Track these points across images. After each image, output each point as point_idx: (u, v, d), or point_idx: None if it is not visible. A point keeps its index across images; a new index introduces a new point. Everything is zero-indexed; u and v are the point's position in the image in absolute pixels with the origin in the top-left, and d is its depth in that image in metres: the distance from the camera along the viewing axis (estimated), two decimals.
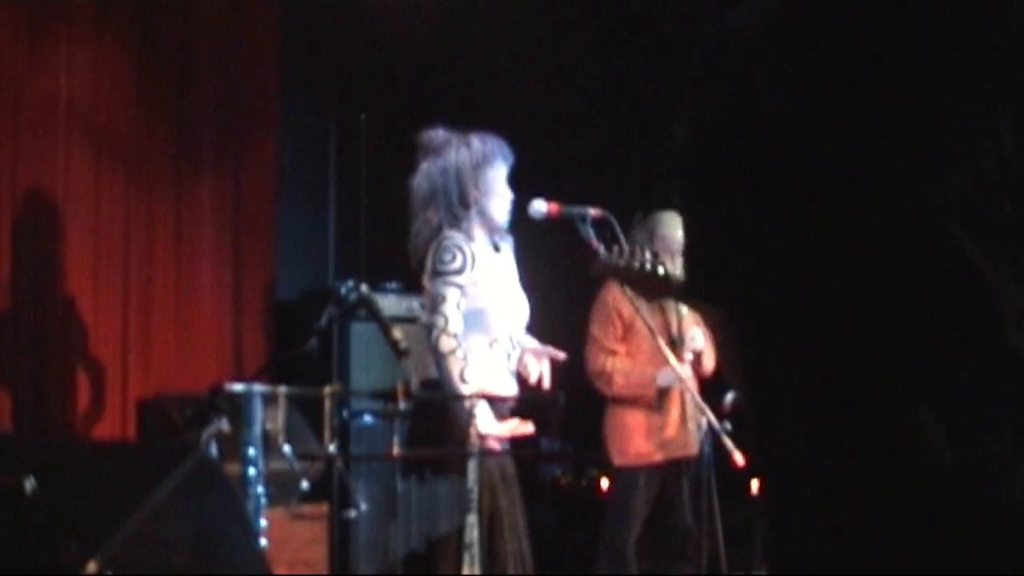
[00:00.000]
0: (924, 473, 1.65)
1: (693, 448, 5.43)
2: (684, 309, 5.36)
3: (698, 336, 5.38)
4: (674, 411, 5.45)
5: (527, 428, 4.51)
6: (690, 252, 1.91)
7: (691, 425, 5.45)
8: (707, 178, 1.84)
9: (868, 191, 1.69)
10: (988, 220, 1.67)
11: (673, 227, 5.40)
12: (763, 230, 1.77)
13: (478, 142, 4.66)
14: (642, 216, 5.44)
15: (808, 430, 1.74)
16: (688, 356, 5.38)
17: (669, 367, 5.33)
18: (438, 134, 4.70)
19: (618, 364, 5.46)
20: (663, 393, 5.43)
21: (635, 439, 5.45)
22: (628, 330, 5.50)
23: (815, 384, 1.73)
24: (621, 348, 5.51)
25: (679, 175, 1.87)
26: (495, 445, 4.38)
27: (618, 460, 5.49)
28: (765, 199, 1.76)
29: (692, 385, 5.17)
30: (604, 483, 6.37)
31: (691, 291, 1.90)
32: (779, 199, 1.75)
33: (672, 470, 5.45)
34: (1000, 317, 1.66)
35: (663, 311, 5.47)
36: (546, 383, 4.74)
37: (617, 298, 5.46)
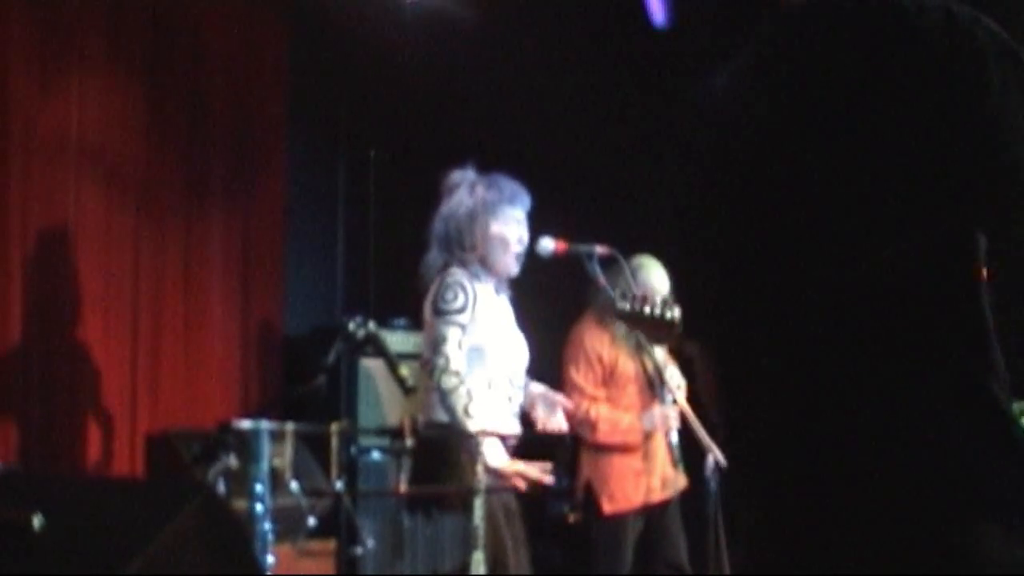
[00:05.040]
0: (900, 517, 1.67)
1: (678, 485, 5.40)
2: (658, 351, 5.26)
3: (675, 374, 5.28)
4: (660, 454, 5.39)
5: (538, 473, 4.51)
6: (680, 291, 2.03)
7: (677, 465, 5.40)
8: (696, 226, 1.93)
9: (853, 235, 1.75)
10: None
11: (652, 274, 5.29)
12: (748, 274, 1.84)
13: (483, 189, 4.65)
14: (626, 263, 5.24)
15: (785, 479, 1.78)
16: (669, 397, 5.26)
17: (653, 410, 5.32)
18: (454, 175, 4.70)
19: (603, 411, 5.31)
20: (648, 437, 5.34)
21: (624, 485, 5.33)
22: (609, 374, 5.38)
23: (792, 431, 1.77)
24: (601, 393, 5.38)
25: (670, 224, 1.97)
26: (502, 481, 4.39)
27: (608, 507, 5.33)
28: (752, 244, 1.83)
29: (675, 423, 5.20)
30: None
31: (683, 329, 2.01)
32: (766, 244, 1.82)
33: (657, 507, 5.40)
34: (987, 366, 1.70)
35: (639, 353, 5.40)
36: (564, 427, 4.73)
37: (596, 342, 5.39)
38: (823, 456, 1.72)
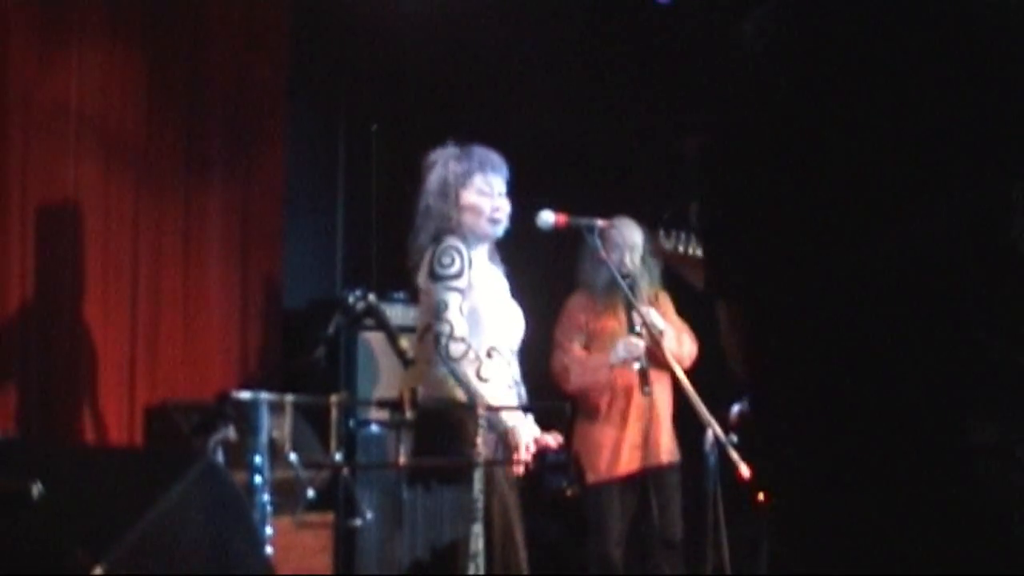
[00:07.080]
0: (931, 474, 1.65)
1: (663, 458, 5.45)
2: (638, 314, 5.32)
3: (656, 319, 5.42)
4: (635, 423, 5.46)
5: (552, 440, 4.55)
6: (708, 250, 1.94)
7: (663, 435, 5.45)
8: (724, 181, 1.87)
9: (881, 199, 1.69)
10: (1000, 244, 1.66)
11: (635, 233, 5.51)
12: (778, 232, 1.79)
13: (455, 161, 4.67)
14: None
15: (810, 430, 1.75)
16: (638, 331, 5.43)
17: (621, 343, 5.40)
18: (433, 154, 4.73)
19: (574, 358, 5.52)
20: (625, 408, 5.47)
21: (603, 454, 5.48)
22: (591, 337, 5.59)
23: (818, 386, 1.74)
24: (583, 354, 5.58)
25: (697, 176, 1.90)
26: (527, 455, 4.40)
27: (590, 477, 5.48)
28: (781, 203, 1.78)
29: (642, 351, 5.40)
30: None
31: (708, 287, 1.93)
32: (794, 203, 1.77)
33: (648, 481, 5.45)
34: (1007, 330, 1.66)
35: (617, 314, 5.54)
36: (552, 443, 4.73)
37: (579, 308, 5.62)
38: (850, 416, 1.70)
